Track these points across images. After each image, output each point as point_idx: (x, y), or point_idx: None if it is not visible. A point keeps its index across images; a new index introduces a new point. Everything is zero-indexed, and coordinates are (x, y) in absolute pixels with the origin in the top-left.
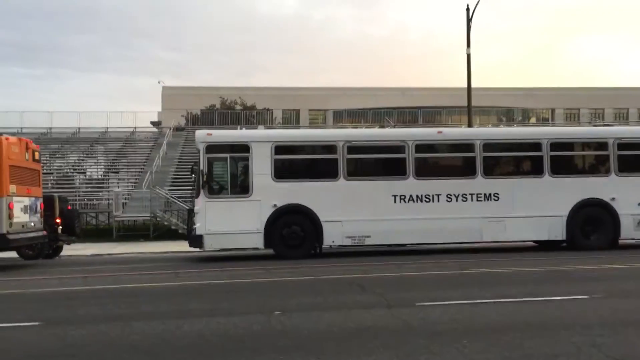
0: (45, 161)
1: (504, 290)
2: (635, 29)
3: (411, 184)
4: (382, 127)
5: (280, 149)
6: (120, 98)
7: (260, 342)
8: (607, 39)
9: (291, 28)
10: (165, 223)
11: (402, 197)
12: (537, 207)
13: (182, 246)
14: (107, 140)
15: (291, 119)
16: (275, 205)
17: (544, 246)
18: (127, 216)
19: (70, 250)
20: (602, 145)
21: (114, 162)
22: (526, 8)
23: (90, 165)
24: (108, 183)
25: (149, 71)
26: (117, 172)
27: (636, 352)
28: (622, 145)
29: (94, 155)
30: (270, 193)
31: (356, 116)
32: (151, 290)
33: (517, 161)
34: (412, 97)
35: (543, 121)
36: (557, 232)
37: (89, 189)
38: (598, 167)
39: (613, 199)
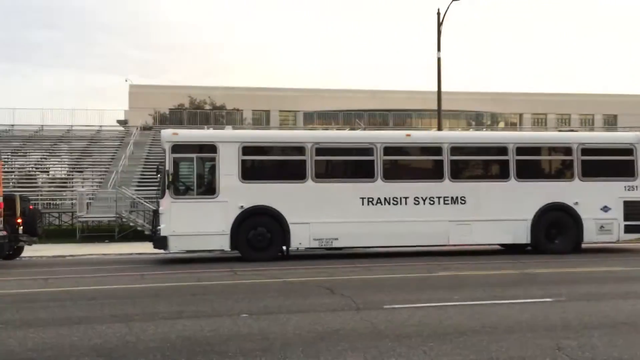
0: (6, 159)
1: (471, 293)
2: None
3: (379, 187)
4: (353, 129)
5: (248, 149)
6: (86, 96)
7: (227, 345)
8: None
9: (261, 28)
10: (131, 224)
11: (370, 199)
12: (503, 211)
13: (148, 248)
14: (71, 138)
15: (261, 119)
16: (242, 206)
17: (510, 250)
18: (92, 217)
19: (32, 251)
20: (566, 150)
21: (78, 161)
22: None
23: (54, 164)
24: (72, 182)
25: (116, 69)
26: (82, 172)
27: (599, 354)
28: (585, 151)
29: (57, 154)
30: (237, 194)
31: (327, 118)
32: (115, 293)
33: (483, 165)
34: (383, 100)
35: (511, 126)
36: (522, 235)
37: (52, 189)
38: (562, 171)
39: (576, 203)
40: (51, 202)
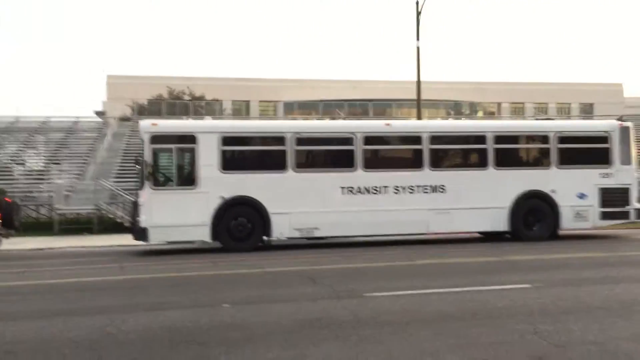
0: None
1: (451, 280)
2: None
3: (359, 176)
4: (333, 119)
5: (227, 140)
6: (62, 86)
7: (208, 335)
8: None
9: (243, 15)
10: (110, 216)
11: (350, 189)
12: (482, 199)
13: (128, 240)
14: (48, 130)
15: (241, 110)
16: (222, 197)
17: (488, 237)
18: (70, 209)
19: (9, 244)
20: (543, 138)
21: (55, 153)
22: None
23: (30, 156)
24: (49, 175)
25: (93, 59)
26: (59, 164)
27: (575, 338)
28: (562, 139)
29: (33, 146)
30: (217, 185)
31: (307, 108)
32: (95, 285)
33: (462, 153)
34: (363, 90)
35: (490, 115)
36: (501, 223)
37: (29, 181)
38: (540, 159)
39: (553, 190)
40: (28, 194)
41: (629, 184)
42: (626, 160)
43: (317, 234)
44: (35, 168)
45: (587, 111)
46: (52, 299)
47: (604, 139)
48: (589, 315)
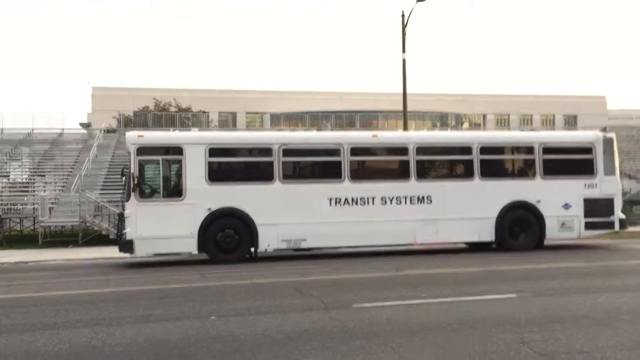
0: None
1: (438, 291)
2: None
3: (346, 187)
4: (320, 130)
5: (214, 151)
6: (47, 98)
7: (195, 348)
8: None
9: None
10: (96, 228)
11: (338, 200)
12: (468, 210)
13: (113, 252)
14: (32, 141)
15: (228, 121)
16: (209, 208)
17: (475, 247)
18: (55, 221)
19: None
20: (528, 149)
21: (40, 165)
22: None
23: (14, 168)
24: (34, 187)
25: (78, 71)
26: (44, 176)
27: (562, 347)
28: (547, 150)
29: (18, 158)
30: (204, 196)
31: (294, 119)
32: (80, 298)
33: (449, 164)
34: (350, 101)
35: (475, 126)
36: (487, 233)
37: (13, 193)
38: (525, 170)
39: (539, 201)
40: (12, 207)
41: (613, 195)
42: (610, 171)
43: (305, 245)
44: (19, 180)
45: (571, 123)
46: (37, 313)
47: (588, 150)
48: (576, 324)
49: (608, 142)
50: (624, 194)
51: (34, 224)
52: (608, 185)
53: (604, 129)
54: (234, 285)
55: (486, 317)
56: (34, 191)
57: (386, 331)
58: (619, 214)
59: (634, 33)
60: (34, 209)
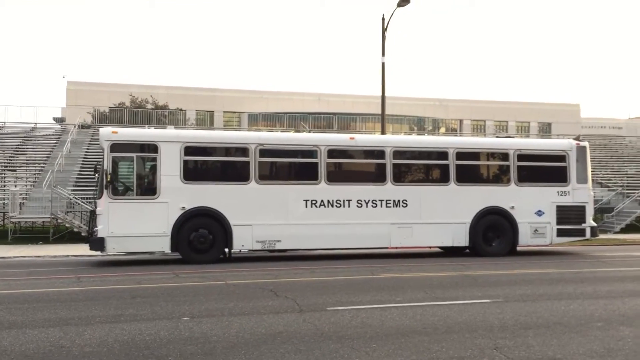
0: None
1: (413, 295)
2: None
3: (322, 189)
4: (298, 131)
5: (190, 149)
6: (20, 91)
7: (167, 349)
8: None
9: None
10: (67, 225)
11: (314, 202)
12: (443, 214)
13: (85, 250)
14: (3, 135)
15: (205, 120)
16: (183, 207)
17: (449, 252)
18: (25, 217)
19: None
20: (503, 156)
21: (11, 160)
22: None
23: None
24: (4, 182)
25: (53, 65)
26: (15, 170)
27: (534, 353)
28: (521, 157)
29: None
30: (178, 195)
31: (272, 120)
32: (49, 296)
33: (425, 169)
34: (328, 103)
35: (452, 131)
36: (461, 238)
37: None
38: (500, 176)
39: (512, 207)
40: None
41: (585, 202)
42: (582, 179)
43: (279, 246)
44: None
45: (546, 130)
46: (4, 311)
47: (561, 157)
48: (548, 330)
49: (581, 151)
50: (595, 202)
51: (3, 220)
52: (580, 193)
53: (577, 138)
54: (208, 285)
55: (460, 322)
56: (4, 186)
57: (360, 335)
58: (590, 221)
59: (608, 43)
60: (4, 204)
